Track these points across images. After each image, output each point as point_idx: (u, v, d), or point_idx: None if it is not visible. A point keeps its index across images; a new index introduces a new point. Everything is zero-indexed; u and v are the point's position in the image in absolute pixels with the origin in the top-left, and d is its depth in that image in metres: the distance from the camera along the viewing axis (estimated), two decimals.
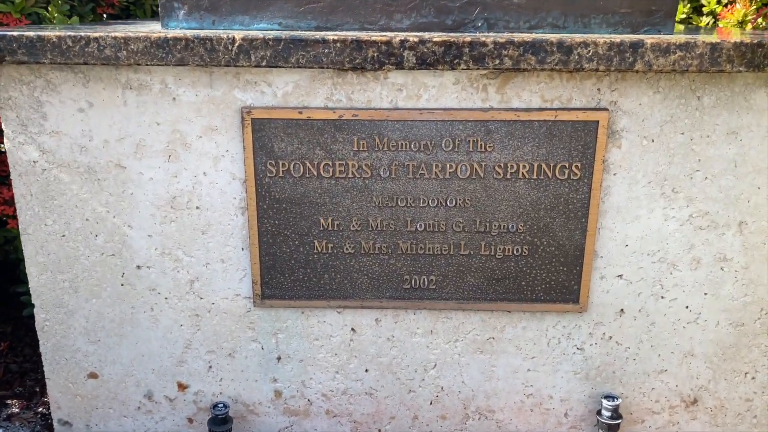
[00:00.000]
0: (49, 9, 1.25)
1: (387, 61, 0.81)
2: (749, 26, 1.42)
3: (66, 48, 0.80)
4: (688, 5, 1.67)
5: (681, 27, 1.52)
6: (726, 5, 1.60)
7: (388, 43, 0.80)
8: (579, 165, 0.88)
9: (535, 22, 0.92)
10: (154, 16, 1.66)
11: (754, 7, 1.42)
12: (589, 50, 0.79)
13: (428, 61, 0.80)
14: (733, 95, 0.85)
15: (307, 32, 0.90)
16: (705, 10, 1.62)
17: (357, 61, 0.81)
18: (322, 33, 0.86)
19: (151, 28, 0.95)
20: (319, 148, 0.88)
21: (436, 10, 0.92)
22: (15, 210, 1.08)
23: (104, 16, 1.51)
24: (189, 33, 0.81)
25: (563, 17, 0.91)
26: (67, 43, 0.80)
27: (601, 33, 0.91)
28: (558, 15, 0.91)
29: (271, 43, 0.80)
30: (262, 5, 0.91)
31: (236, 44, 0.80)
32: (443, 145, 0.88)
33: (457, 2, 0.91)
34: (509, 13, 0.92)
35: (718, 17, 1.57)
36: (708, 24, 1.61)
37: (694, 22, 1.66)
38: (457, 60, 0.80)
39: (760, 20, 1.41)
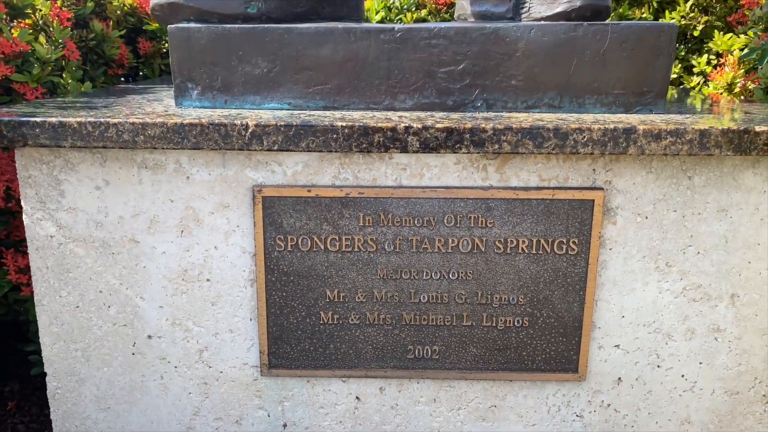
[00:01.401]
0: (64, 75, 1.29)
1: (392, 146, 0.85)
2: (738, 88, 1.48)
3: (86, 133, 0.84)
4: (679, 65, 1.73)
5: (672, 90, 1.58)
6: (715, 66, 1.66)
7: (393, 129, 0.84)
8: (576, 241, 0.91)
9: (532, 102, 0.96)
10: (162, 74, 1.71)
11: (743, 70, 1.47)
12: (584, 136, 0.83)
13: (431, 145, 0.84)
14: (722, 175, 0.89)
15: (316, 113, 0.94)
16: (695, 70, 1.68)
17: (364, 145, 0.85)
18: (330, 116, 0.90)
19: (166, 105, 1.00)
20: (327, 224, 0.91)
21: (438, 92, 0.96)
22: (29, 278, 1.11)
23: (121, 78, 1.57)
24: (204, 119, 0.85)
25: (559, 98, 0.96)
26: (87, 128, 0.84)
27: (595, 113, 0.95)
28: (554, 96, 0.96)
29: (282, 129, 0.84)
30: (273, 86, 0.96)
31: (249, 130, 0.84)
32: (445, 221, 0.91)
33: (457, 84, 0.96)
34: (507, 94, 0.96)
35: (708, 77, 1.62)
36: (699, 84, 1.67)
37: (685, 82, 1.72)
38: (458, 144, 0.84)
39: (749, 84, 1.46)
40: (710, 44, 1.63)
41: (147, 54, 1.65)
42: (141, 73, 1.69)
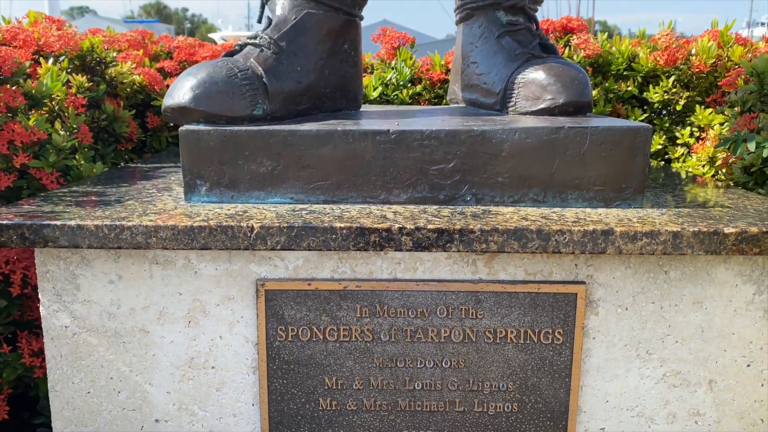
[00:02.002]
0: (77, 157, 1.37)
1: (387, 245, 0.91)
2: (719, 161, 1.55)
3: (102, 235, 0.90)
4: (664, 136, 1.81)
5: (655, 162, 1.65)
6: (698, 138, 1.74)
7: (388, 230, 0.90)
8: (561, 331, 0.97)
9: (518, 197, 1.03)
10: (168, 145, 1.79)
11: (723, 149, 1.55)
12: (566, 237, 0.90)
13: (423, 245, 0.91)
14: (697, 270, 0.95)
15: (317, 206, 1.01)
16: (679, 141, 1.76)
17: (360, 244, 0.91)
18: (331, 212, 0.97)
19: (175, 197, 1.06)
20: (325, 315, 0.97)
21: (430, 187, 1.03)
22: (42, 360, 1.16)
23: (130, 151, 1.64)
24: (212, 221, 0.91)
25: (543, 193, 1.03)
26: (104, 231, 0.90)
27: (577, 207, 1.02)
28: (538, 191, 1.03)
29: (285, 230, 0.90)
30: (277, 183, 1.03)
31: (254, 232, 0.90)
32: (438, 312, 0.97)
33: (448, 180, 1.03)
34: (494, 190, 1.03)
35: (691, 149, 1.70)
36: (682, 155, 1.75)
37: (669, 152, 1.80)
38: (448, 244, 0.90)
39: (729, 161, 1.53)
40: (692, 118, 1.71)
41: (155, 127, 1.73)
42: (149, 145, 1.77)
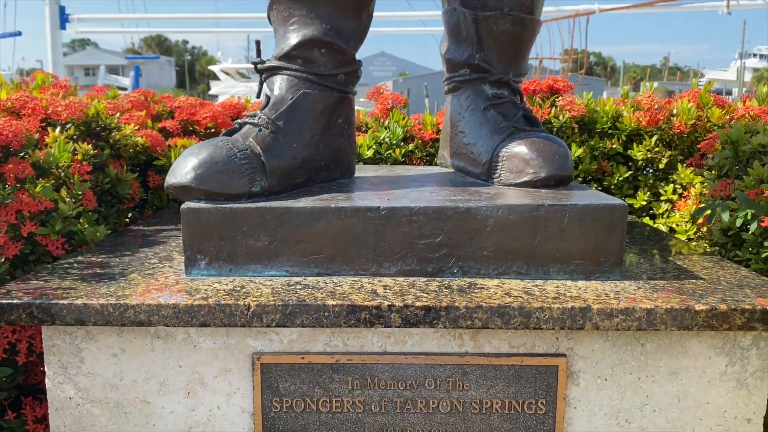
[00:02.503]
0: (81, 221, 1.42)
1: (377, 322, 0.96)
2: (701, 219, 1.61)
3: (107, 313, 0.95)
4: (648, 193, 1.87)
5: (645, 219, 1.71)
6: (681, 195, 1.81)
7: (378, 307, 0.96)
8: (544, 401, 1.01)
9: (502, 269, 1.08)
10: (169, 202, 1.85)
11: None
12: (546, 314, 0.95)
13: (411, 321, 0.96)
14: (671, 342, 1.00)
15: (311, 279, 1.06)
16: (663, 198, 1.82)
17: (352, 321, 0.96)
18: (324, 286, 1.02)
19: (176, 269, 1.12)
20: (318, 387, 1.02)
21: (419, 260, 1.09)
22: (45, 426, 1.20)
23: (133, 209, 1.70)
24: (211, 299, 0.96)
25: (526, 266, 1.08)
26: (108, 309, 0.95)
27: (558, 279, 1.08)
28: (521, 264, 1.08)
29: (280, 308, 0.95)
30: (272, 257, 1.08)
31: (251, 310, 0.95)
32: (426, 384, 1.01)
33: (435, 254, 1.08)
34: (480, 263, 1.08)
35: (674, 205, 1.76)
36: (666, 211, 1.81)
37: (654, 208, 1.86)
38: (435, 321, 0.96)
39: (706, 227, 1.58)
40: (675, 176, 1.78)
41: (156, 186, 1.79)
42: (150, 202, 1.82)
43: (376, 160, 1.86)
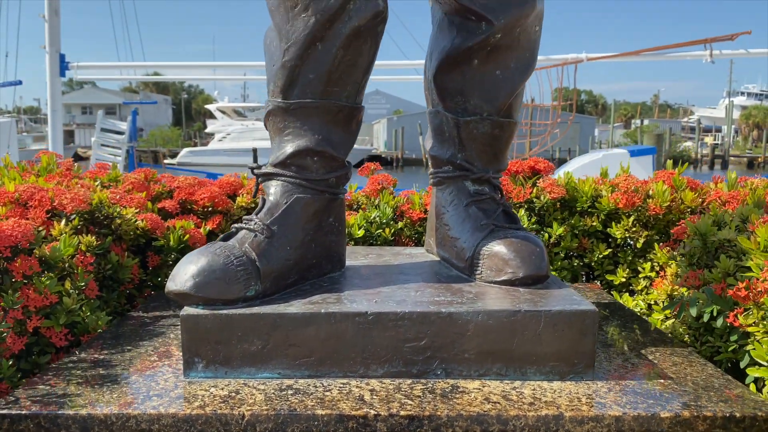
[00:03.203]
0: (83, 309, 1.49)
1: (363, 430, 1.02)
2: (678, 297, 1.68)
3: (110, 423, 1.01)
4: (627, 269, 1.95)
5: (625, 296, 1.78)
6: (658, 272, 1.89)
7: (365, 416, 1.02)
8: None
9: (483, 371, 1.15)
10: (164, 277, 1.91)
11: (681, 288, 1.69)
12: (521, 422, 1.02)
13: (396, 430, 1.02)
14: None
15: (302, 381, 1.13)
16: (641, 275, 1.90)
17: (340, 430, 1.02)
18: (314, 389, 1.08)
19: (174, 369, 1.18)
20: None
21: (404, 362, 1.15)
22: None
23: (132, 289, 1.76)
24: (208, 408, 1.03)
25: (505, 368, 1.15)
26: (112, 419, 1.01)
27: (535, 380, 1.15)
28: (501, 366, 1.15)
29: (272, 417, 1.02)
30: (266, 360, 1.15)
31: (245, 419, 1.02)
32: None
33: (420, 356, 1.15)
34: (462, 365, 1.15)
35: (653, 282, 1.84)
36: (645, 287, 1.88)
37: (633, 284, 1.94)
38: (419, 429, 1.02)
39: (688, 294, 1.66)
40: (651, 255, 1.86)
41: (155, 266, 1.86)
42: (149, 281, 1.89)
43: (367, 238, 1.94)
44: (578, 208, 2.00)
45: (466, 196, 1.46)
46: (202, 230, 1.91)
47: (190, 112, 70.47)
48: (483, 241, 1.36)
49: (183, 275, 1.17)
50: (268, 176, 1.33)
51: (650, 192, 1.93)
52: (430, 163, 1.58)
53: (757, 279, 1.23)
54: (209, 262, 1.18)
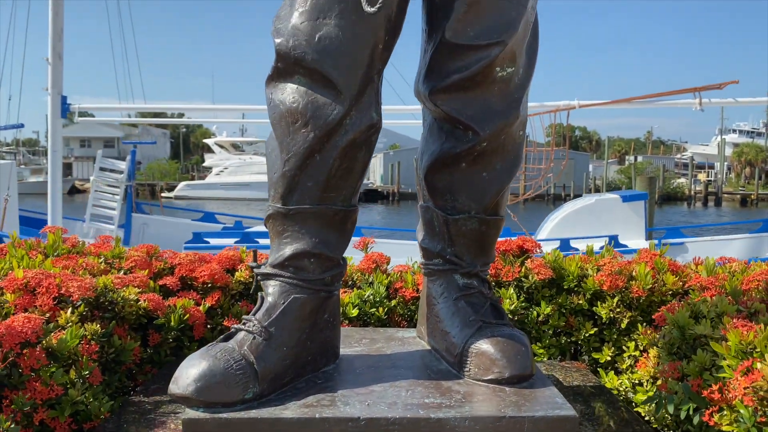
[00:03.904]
0: (86, 395, 1.54)
1: None
2: (660, 381, 1.74)
3: None
4: (613, 348, 2.02)
5: (610, 374, 1.84)
6: (643, 351, 1.95)
7: None
8: None
9: None
10: (167, 356, 1.96)
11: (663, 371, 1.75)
12: None
13: None
14: None
15: None
16: (626, 354, 1.96)
17: None
18: None
19: None
20: None
21: None
22: None
23: (134, 368, 1.81)
24: None
25: None
26: None
27: None
28: None
29: None
30: None
31: None
32: None
33: None
34: None
35: (637, 362, 1.91)
36: (630, 366, 1.95)
37: (618, 362, 2.00)
38: None
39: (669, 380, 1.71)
40: (635, 335, 1.93)
41: (156, 344, 1.92)
42: (149, 358, 1.94)
43: (361, 315, 2.01)
44: (565, 287, 2.07)
45: (455, 290, 1.53)
46: (201, 308, 1.98)
47: (188, 146, 70.92)
48: (471, 338, 1.43)
49: (185, 379, 1.23)
50: (267, 276, 1.41)
51: (633, 273, 2.01)
52: (421, 254, 1.66)
53: (730, 380, 1.30)
54: (210, 366, 1.25)
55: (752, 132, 61.75)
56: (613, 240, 8.53)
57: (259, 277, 1.43)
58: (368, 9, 1.27)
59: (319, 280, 1.41)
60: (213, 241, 9.30)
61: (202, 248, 9.12)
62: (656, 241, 10.21)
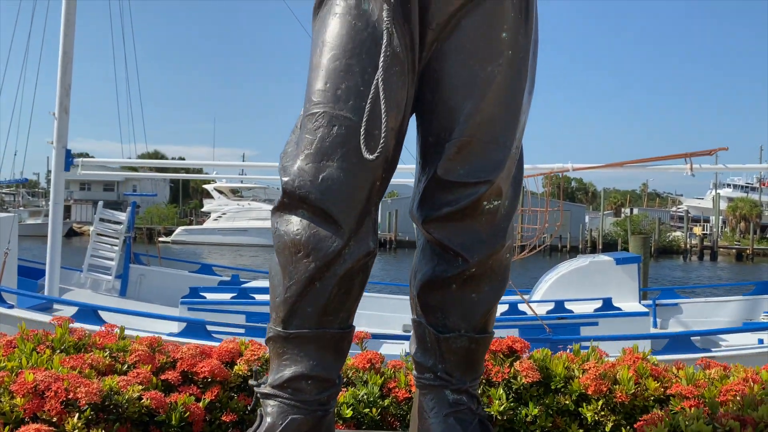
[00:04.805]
0: None
1: None
2: None
3: None
4: None
5: None
6: None
7: None
8: None
9: None
10: None
11: None
12: None
13: None
14: None
15: None
16: None
17: None
18: None
19: None
20: None
21: None
22: None
23: None
24: None
25: None
26: None
27: None
28: None
29: None
30: None
31: None
32: None
33: None
34: None
35: None
36: None
37: None
38: None
39: None
40: None
41: None
42: None
43: (356, 415, 2.07)
44: (552, 387, 2.15)
45: (446, 405, 1.61)
46: (201, 403, 2.05)
47: (187, 190, 71.29)
48: None
49: None
50: (267, 396, 1.49)
51: (617, 376, 2.09)
52: (413, 366, 1.75)
53: None
54: None
55: (746, 187, 62.47)
56: (607, 302, 8.60)
57: (259, 395, 1.52)
58: (369, 156, 1.40)
59: (316, 401, 1.49)
60: (209, 296, 9.33)
61: (198, 303, 9.15)
62: (650, 302, 10.29)
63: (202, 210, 53.13)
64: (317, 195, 1.42)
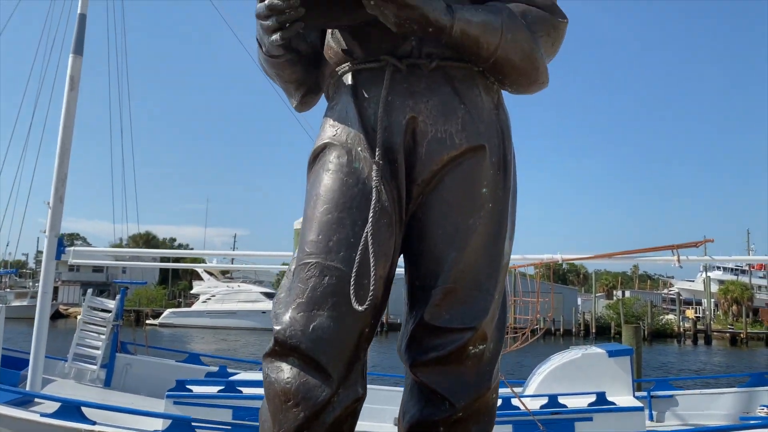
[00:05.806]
0: None
1: None
2: None
3: None
4: None
5: None
6: None
7: None
8: None
9: None
10: None
11: None
12: None
13: None
14: None
15: None
16: None
17: None
18: None
19: None
20: None
21: None
22: None
23: None
24: None
25: None
26: None
27: None
28: None
29: None
30: None
31: None
32: None
33: None
34: None
35: None
36: None
37: None
38: None
39: None
40: None
41: None
42: None
43: None
44: None
45: None
46: None
47: (177, 271, 70.79)
48: None
49: None
50: None
51: None
52: None
53: None
54: None
55: (736, 270, 62.75)
56: (601, 396, 8.46)
57: None
58: (358, 308, 1.45)
59: None
60: (196, 389, 9.11)
61: (184, 397, 8.91)
62: (645, 394, 10.12)
63: (191, 292, 52.59)
64: (308, 344, 1.47)
